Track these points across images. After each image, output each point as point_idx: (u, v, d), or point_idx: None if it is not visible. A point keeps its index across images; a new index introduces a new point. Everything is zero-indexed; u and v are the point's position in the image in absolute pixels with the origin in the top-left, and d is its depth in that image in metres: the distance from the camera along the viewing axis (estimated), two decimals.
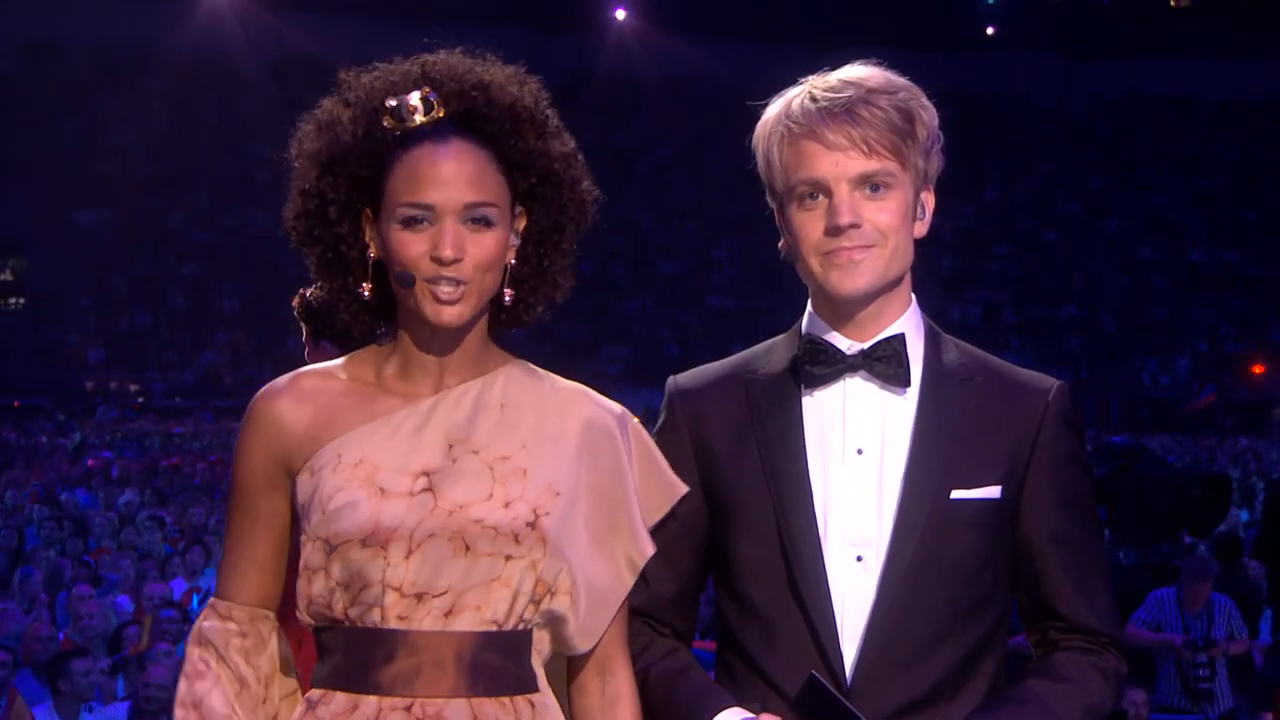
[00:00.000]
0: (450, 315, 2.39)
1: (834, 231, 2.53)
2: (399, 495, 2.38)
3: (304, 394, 2.48)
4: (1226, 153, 48.77)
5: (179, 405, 35.09)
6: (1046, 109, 50.67)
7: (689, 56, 45.87)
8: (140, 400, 36.60)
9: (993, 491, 2.57)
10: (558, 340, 32.20)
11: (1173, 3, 52.16)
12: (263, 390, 2.52)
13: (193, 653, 2.49)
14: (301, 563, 2.42)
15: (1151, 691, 9.08)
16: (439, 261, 2.36)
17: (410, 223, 2.37)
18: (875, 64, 2.61)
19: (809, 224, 2.56)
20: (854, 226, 2.52)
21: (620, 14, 48.73)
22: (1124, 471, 10.74)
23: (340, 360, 2.56)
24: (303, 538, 2.42)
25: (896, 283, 2.60)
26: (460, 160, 2.39)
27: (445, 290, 2.38)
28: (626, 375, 33.04)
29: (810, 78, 2.61)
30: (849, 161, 2.52)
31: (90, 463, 21.67)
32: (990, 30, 50.65)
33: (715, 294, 42.26)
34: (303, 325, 3.98)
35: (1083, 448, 2.69)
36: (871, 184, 2.53)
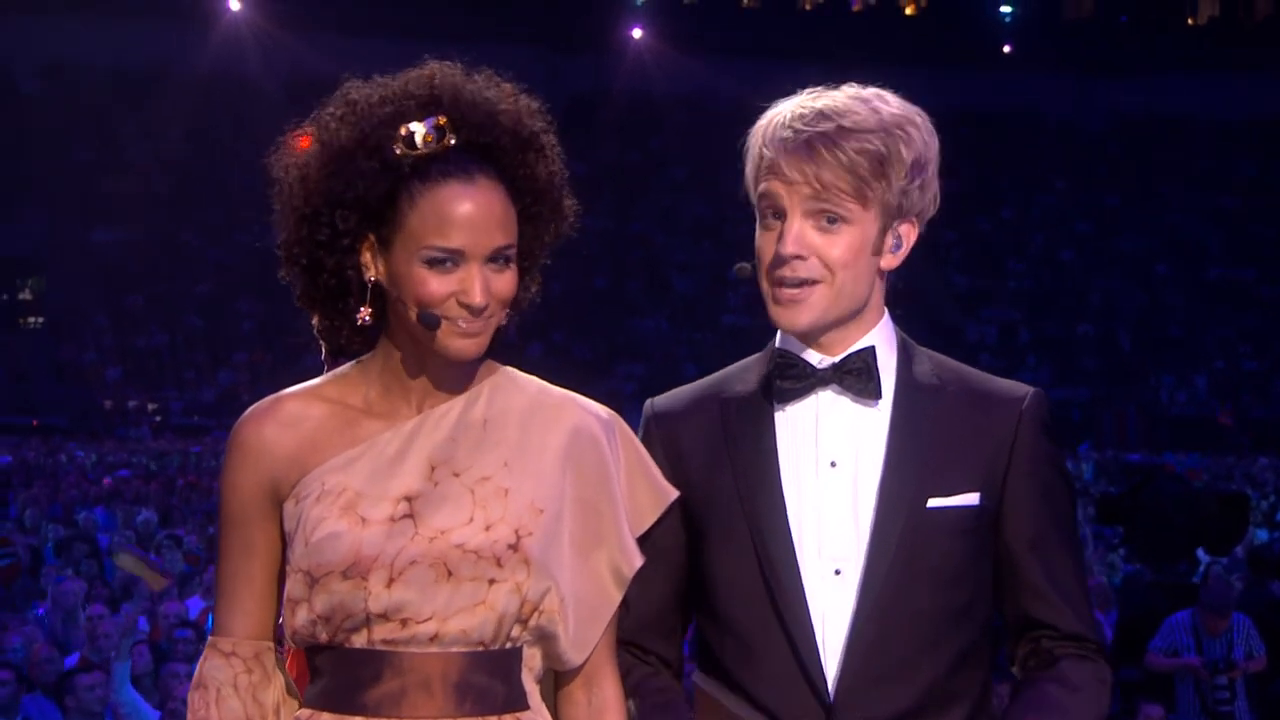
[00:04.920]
0: (473, 349, 2.40)
1: (778, 259, 2.54)
2: (379, 523, 2.36)
3: (287, 419, 2.46)
4: (1243, 170, 48.66)
5: (197, 424, 35.12)
6: (1062, 126, 50.61)
7: (705, 75, 45.89)
8: (158, 419, 36.64)
9: (971, 498, 2.56)
10: (572, 359, 32.19)
11: (1190, 20, 52.08)
12: (245, 416, 2.49)
13: (192, 699, 2.46)
14: (285, 593, 2.41)
15: (1170, 710, 9.04)
16: (468, 308, 2.36)
17: (435, 263, 2.36)
18: (872, 91, 2.58)
19: (765, 245, 2.58)
20: (798, 258, 2.52)
21: (637, 33, 48.77)
22: (1141, 489, 10.72)
23: (321, 380, 2.54)
24: (287, 567, 2.41)
25: (851, 316, 2.59)
26: (489, 202, 2.38)
27: (469, 326, 2.37)
28: (642, 394, 32.84)
29: (804, 92, 2.60)
30: (801, 195, 2.52)
31: (108, 481, 21.69)
32: (1006, 48, 50.62)
33: (730, 312, 42.21)
34: (323, 343, 4.00)
35: (1060, 454, 2.68)
36: (828, 216, 2.52)
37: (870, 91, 2.59)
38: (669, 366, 38.15)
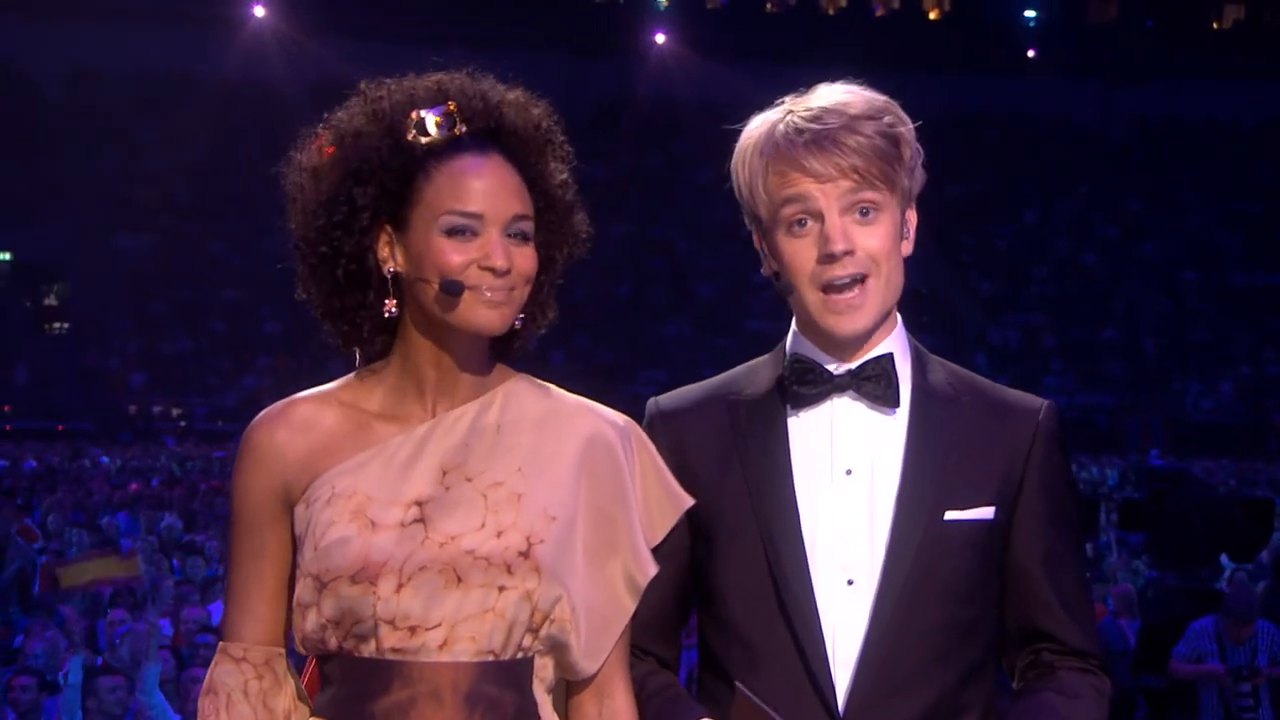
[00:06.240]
0: (498, 319, 2.37)
1: (828, 259, 2.49)
2: (389, 527, 2.34)
3: (299, 423, 2.44)
4: (1266, 175, 48.47)
5: (220, 429, 35.22)
6: (1086, 131, 50.48)
7: (728, 80, 45.86)
8: (182, 424, 36.76)
9: (986, 512, 2.54)
10: (595, 364, 32.21)
11: (1214, 25, 51.91)
12: (257, 419, 2.47)
13: (203, 705, 2.45)
14: (295, 598, 2.39)
15: (1193, 718, 9.00)
16: (492, 271, 2.35)
17: (456, 231, 2.35)
18: (856, 84, 2.58)
19: (801, 252, 2.52)
20: (848, 253, 2.49)
21: (660, 38, 48.81)
22: (1165, 495, 10.68)
23: (336, 384, 2.52)
24: (297, 572, 2.39)
25: (888, 312, 2.57)
26: (504, 173, 2.39)
27: (495, 295, 2.36)
28: None
29: (786, 100, 2.58)
30: (838, 190, 2.49)
31: (132, 487, 21.74)
32: (1031, 53, 50.51)
33: (753, 317, 42.15)
34: (356, 350, 4.02)
35: (1070, 467, 2.67)
36: (861, 209, 2.50)
37: (843, 84, 2.58)
38: (691, 372, 37.97)
